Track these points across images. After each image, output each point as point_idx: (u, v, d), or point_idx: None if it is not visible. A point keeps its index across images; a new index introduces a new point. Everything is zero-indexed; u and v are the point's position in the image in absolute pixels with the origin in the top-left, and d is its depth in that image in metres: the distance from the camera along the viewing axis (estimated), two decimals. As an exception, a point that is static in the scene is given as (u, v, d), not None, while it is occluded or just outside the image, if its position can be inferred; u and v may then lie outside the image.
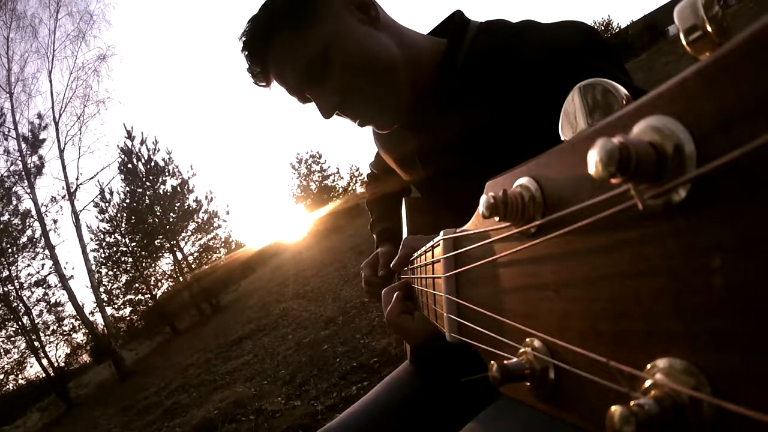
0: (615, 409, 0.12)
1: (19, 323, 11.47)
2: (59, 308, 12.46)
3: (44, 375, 11.37)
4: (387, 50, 0.59)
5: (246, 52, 0.61)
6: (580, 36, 0.52)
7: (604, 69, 0.49)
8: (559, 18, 0.60)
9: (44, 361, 11.37)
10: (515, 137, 0.48)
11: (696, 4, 0.12)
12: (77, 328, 12.65)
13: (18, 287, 11.72)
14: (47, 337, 12.03)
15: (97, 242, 13.85)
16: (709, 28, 0.12)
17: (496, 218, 0.20)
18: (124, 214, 14.08)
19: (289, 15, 0.57)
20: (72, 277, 12.40)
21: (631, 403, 0.12)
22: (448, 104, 0.61)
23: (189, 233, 14.76)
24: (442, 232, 0.33)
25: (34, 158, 11.70)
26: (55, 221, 12.41)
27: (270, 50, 0.59)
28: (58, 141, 12.13)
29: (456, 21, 0.65)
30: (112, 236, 14.00)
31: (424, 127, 0.65)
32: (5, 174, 11.63)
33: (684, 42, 0.13)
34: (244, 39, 0.60)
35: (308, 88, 0.60)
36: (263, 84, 0.64)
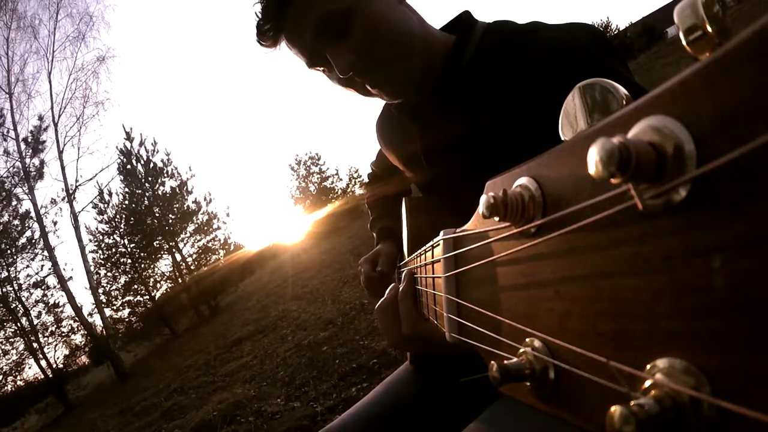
0: (615, 409, 0.12)
1: (18, 324, 11.44)
2: (58, 309, 12.44)
3: (42, 376, 11.34)
4: (408, 22, 0.59)
5: (265, 2, 0.58)
6: (589, 37, 0.52)
7: (614, 70, 0.49)
8: (558, 21, 0.60)
9: (43, 363, 11.35)
10: (521, 137, 0.48)
11: (696, 4, 0.12)
12: (76, 329, 12.62)
13: (17, 288, 11.69)
14: (46, 339, 12.00)
15: (96, 243, 13.84)
16: (709, 28, 0.12)
17: (496, 218, 0.20)
18: (123, 216, 14.07)
19: None
20: (71, 278, 12.38)
21: (631, 403, 0.12)
22: (454, 102, 0.61)
23: (188, 235, 14.75)
24: (442, 232, 0.33)
25: (34, 160, 11.70)
26: (54, 222, 12.41)
27: (293, 2, 0.56)
28: (57, 142, 12.13)
29: (463, 20, 0.65)
30: (111, 237, 13.98)
31: (429, 124, 0.66)
32: (5, 175, 11.62)
33: (684, 42, 0.13)
34: None
35: (324, 45, 0.58)
36: (268, 43, 0.61)
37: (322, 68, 0.62)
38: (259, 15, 0.59)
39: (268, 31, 0.59)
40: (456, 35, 0.63)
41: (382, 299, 0.56)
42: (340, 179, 22.01)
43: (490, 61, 0.58)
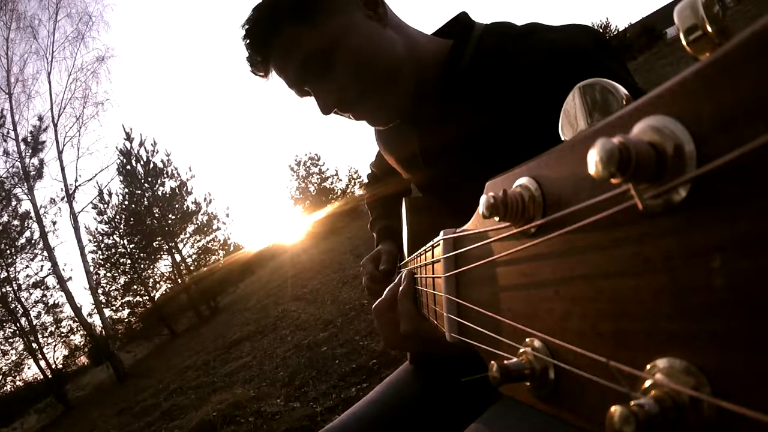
0: (615, 409, 0.12)
1: (17, 325, 11.42)
2: (57, 310, 12.44)
3: (42, 377, 11.33)
4: (392, 49, 0.59)
5: (248, 41, 0.60)
6: (588, 38, 0.52)
7: (613, 71, 0.49)
8: (557, 21, 0.60)
9: (42, 363, 11.33)
10: (520, 139, 0.48)
11: (696, 4, 0.12)
12: (75, 329, 12.62)
13: (16, 288, 11.68)
14: (45, 339, 12.00)
15: (96, 244, 13.83)
16: (709, 28, 0.12)
17: (496, 218, 0.20)
18: (123, 216, 14.06)
19: (298, 7, 0.56)
20: (70, 278, 12.38)
21: (631, 403, 0.12)
22: (453, 104, 0.61)
23: (188, 235, 14.75)
24: (442, 232, 0.33)
25: (34, 160, 11.70)
26: (53, 222, 12.40)
27: (274, 41, 0.58)
28: (57, 142, 12.10)
29: (461, 22, 0.65)
30: (111, 238, 13.98)
31: (427, 126, 0.66)
32: (4, 175, 11.62)
33: (684, 42, 0.13)
34: (247, 27, 0.59)
35: (308, 83, 0.59)
36: (261, 74, 0.63)
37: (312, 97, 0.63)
38: (247, 50, 0.61)
39: (258, 65, 0.61)
40: (453, 38, 0.63)
41: (379, 300, 0.57)
42: (340, 180, 21.99)
43: (488, 62, 0.58)
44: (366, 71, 0.57)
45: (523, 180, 0.20)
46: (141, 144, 14.31)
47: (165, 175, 14.58)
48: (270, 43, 0.58)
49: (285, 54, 0.58)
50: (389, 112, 0.62)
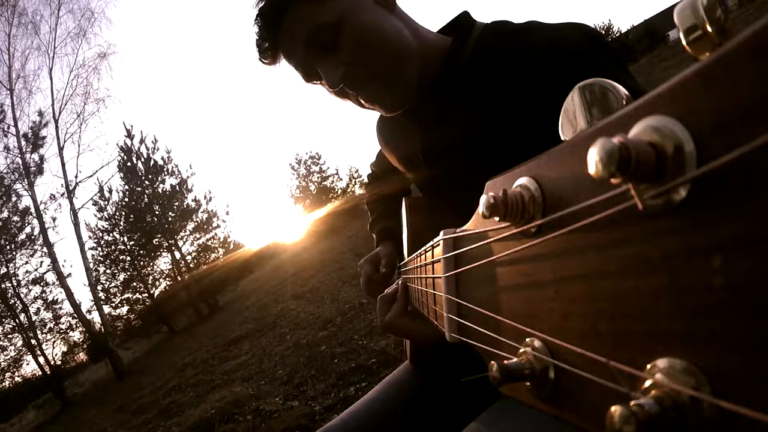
0: (615, 409, 0.12)
1: (16, 321, 11.45)
2: (56, 306, 12.46)
3: (40, 373, 11.35)
4: (399, 33, 0.59)
5: (259, 22, 0.61)
6: (584, 37, 0.52)
7: (610, 70, 0.49)
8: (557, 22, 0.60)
9: (41, 359, 11.35)
10: (519, 137, 0.49)
11: (696, 4, 0.12)
12: (74, 326, 12.65)
13: (15, 284, 11.70)
14: (44, 335, 12.02)
15: (96, 240, 13.85)
16: (709, 29, 0.12)
17: (496, 218, 0.20)
18: (123, 213, 14.09)
19: None
20: (70, 275, 12.44)
21: (631, 403, 0.12)
22: (452, 102, 0.61)
23: (188, 233, 14.76)
24: (442, 232, 0.33)
25: (34, 156, 11.70)
26: (53, 219, 12.42)
27: (284, 20, 0.59)
28: (58, 139, 12.10)
29: (461, 21, 0.65)
30: (111, 234, 14.00)
31: (427, 124, 0.66)
32: (5, 171, 11.62)
33: (684, 42, 0.13)
34: (259, 6, 0.60)
35: (316, 59, 0.60)
36: (268, 60, 0.64)
37: (318, 82, 0.63)
38: (257, 34, 0.62)
39: (267, 50, 0.62)
40: (453, 36, 0.63)
41: (385, 292, 0.64)
42: (340, 179, 22.01)
43: (486, 61, 0.58)
44: (372, 50, 0.58)
45: (523, 180, 0.20)
46: (141, 141, 14.33)
47: (165, 173, 14.59)
48: (281, 24, 0.59)
49: (293, 30, 0.58)
50: (396, 96, 0.62)
